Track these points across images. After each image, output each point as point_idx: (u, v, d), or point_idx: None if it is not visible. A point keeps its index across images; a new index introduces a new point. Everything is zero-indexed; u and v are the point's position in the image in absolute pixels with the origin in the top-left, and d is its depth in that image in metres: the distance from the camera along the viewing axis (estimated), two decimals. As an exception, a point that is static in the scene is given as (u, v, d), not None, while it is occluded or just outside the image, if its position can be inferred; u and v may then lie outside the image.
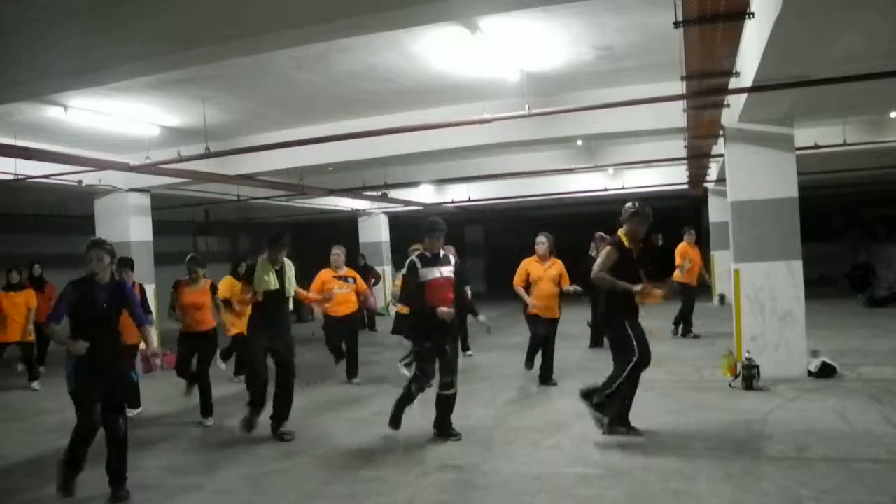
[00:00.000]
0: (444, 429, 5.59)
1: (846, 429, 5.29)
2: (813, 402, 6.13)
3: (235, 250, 19.58)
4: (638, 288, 5.17)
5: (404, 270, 5.58)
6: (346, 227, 18.24)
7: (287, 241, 5.97)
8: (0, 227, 12.77)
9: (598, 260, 5.32)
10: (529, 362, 7.89)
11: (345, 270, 8.17)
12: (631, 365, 5.16)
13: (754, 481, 4.29)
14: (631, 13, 5.59)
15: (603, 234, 9.90)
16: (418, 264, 5.47)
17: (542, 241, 7.60)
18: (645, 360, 5.26)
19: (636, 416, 5.51)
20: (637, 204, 5.43)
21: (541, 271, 7.52)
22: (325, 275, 8.02)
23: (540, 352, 7.71)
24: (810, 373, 7.09)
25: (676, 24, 4.46)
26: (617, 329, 5.31)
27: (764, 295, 7.26)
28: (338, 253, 8.14)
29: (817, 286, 13.70)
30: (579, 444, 5.28)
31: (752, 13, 4.44)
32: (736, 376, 6.93)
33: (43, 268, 10.21)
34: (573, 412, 6.19)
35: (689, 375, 7.62)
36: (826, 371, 7.05)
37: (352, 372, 8.28)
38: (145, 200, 11.02)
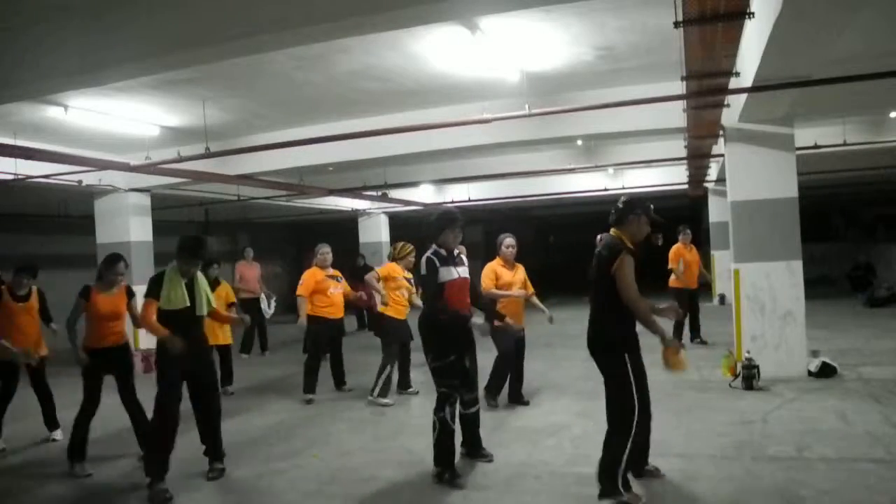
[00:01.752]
0: (475, 448, 5.01)
1: (846, 429, 5.29)
2: (813, 402, 6.13)
3: (235, 250, 19.56)
4: (678, 344, 4.10)
5: (423, 270, 4.74)
6: (346, 227, 18.23)
7: (205, 253, 4.98)
8: (0, 227, 12.77)
9: (622, 275, 3.96)
10: (497, 391, 6.54)
11: (332, 270, 7.63)
12: (631, 426, 4.00)
13: (754, 481, 4.29)
14: (631, 13, 5.59)
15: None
16: (437, 262, 4.72)
17: (512, 245, 6.59)
18: (644, 417, 4.16)
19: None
20: (635, 198, 4.31)
21: (510, 276, 6.55)
22: (317, 274, 7.42)
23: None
24: (810, 373, 7.08)
25: (676, 25, 4.46)
26: (614, 364, 4.10)
27: (764, 295, 7.26)
28: (326, 251, 7.56)
29: (817, 286, 13.71)
30: (579, 444, 5.27)
31: (752, 13, 4.44)
32: (736, 376, 6.93)
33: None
34: (573, 412, 6.20)
35: (689, 375, 7.58)
36: (826, 371, 7.05)
37: (341, 380, 7.86)
38: (145, 200, 11.02)
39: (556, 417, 6.08)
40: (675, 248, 9.90)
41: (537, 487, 4.41)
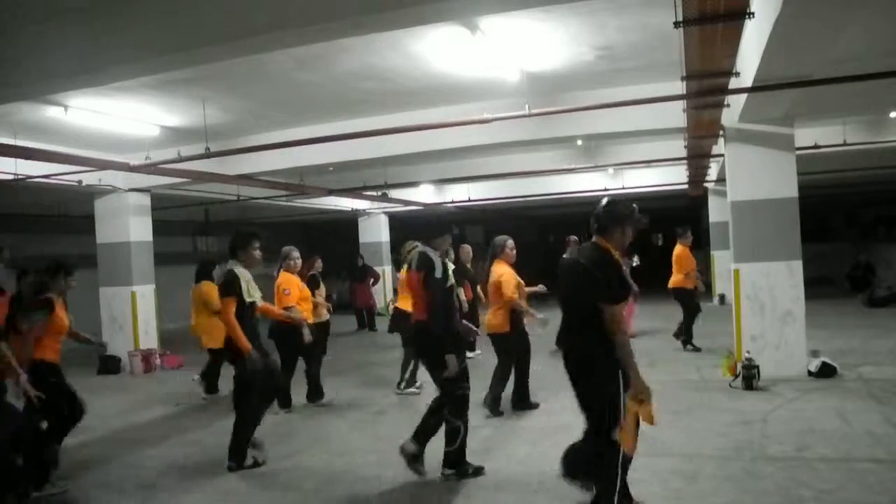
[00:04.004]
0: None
1: (846, 429, 5.29)
2: (813, 402, 6.13)
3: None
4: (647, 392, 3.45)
5: (438, 273, 4.53)
6: (346, 227, 18.24)
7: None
8: (0, 227, 12.77)
9: (606, 291, 3.47)
10: (498, 402, 6.35)
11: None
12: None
13: (754, 481, 4.30)
14: (631, 13, 5.59)
15: (577, 237, 9.66)
16: (448, 267, 4.70)
17: (513, 246, 6.51)
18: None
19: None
20: (620, 203, 3.78)
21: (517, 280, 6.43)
22: (294, 280, 6.87)
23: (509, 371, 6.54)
24: (810, 373, 7.09)
25: (676, 24, 4.46)
26: (608, 385, 3.46)
27: (764, 295, 7.26)
28: (296, 256, 6.94)
29: (817, 286, 13.71)
30: (579, 444, 5.27)
31: (752, 13, 4.44)
32: (736, 376, 6.93)
33: None
34: (573, 412, 6.17)
35: (689, 375, 7.62)
36: (826, 371, 7.05)
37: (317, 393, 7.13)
38: (145, 200, 11.01)
39: (556, 417, 6.08)
40: (682, 249, 9.64)
41: (537, 487, 4.41)
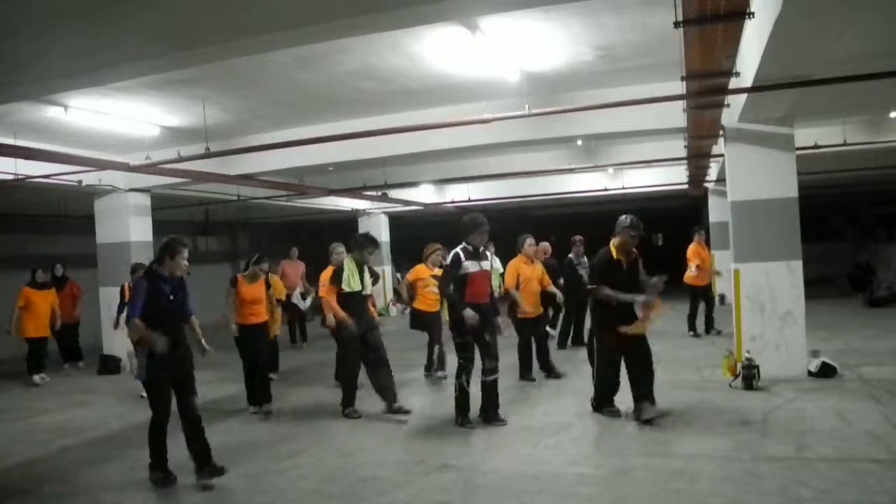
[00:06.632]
0: (491, 414, 5.89)
1: (846, 429, 5.29)
2: (813, 402, 6.13)
3: (235, 250, 19.58)
4: (640, 299, 5.56)
5: (448, 262, 5.81)
6: (346, 227, 18.22)
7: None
8: (0, 227, 12.76)
9: (592, 274, 5.90)
10: (529, 371, 7.78)
11: None
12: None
13: (754, 481, 4.30)
14: (631, 13, 5.59)
15: (582, 237, 9.97)
16: (462, 257, 5.74)
17: (533, 243, 7.89)
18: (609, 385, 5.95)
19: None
20: (630, 218, 5.80)
21: (529, 272, 7.77)
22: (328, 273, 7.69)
23: (534, 347, 7.92)
24: (810, 373, 7.08)
25: (676, 24, 4.45)
26: (596, 327, 5.97)
27: (764, 295, 7.26)
28: (341, 251, 7.67)
29: (817, 286, 13.71)
30: (579, 444, 5.28)
31: (752, 13, 4.44)
32: (736, 376, 6.93)
33: (64, 267, 10.94)
34: (573, 412, 6.20)
35: (689, 375, 7.61)
36: (826, 371, 7.05)
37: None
38: (145, 200, 11.00)
39: (556, 417, 6.09)
40: (694, 247, 10.35)
41: (537, 487, 4.41)
